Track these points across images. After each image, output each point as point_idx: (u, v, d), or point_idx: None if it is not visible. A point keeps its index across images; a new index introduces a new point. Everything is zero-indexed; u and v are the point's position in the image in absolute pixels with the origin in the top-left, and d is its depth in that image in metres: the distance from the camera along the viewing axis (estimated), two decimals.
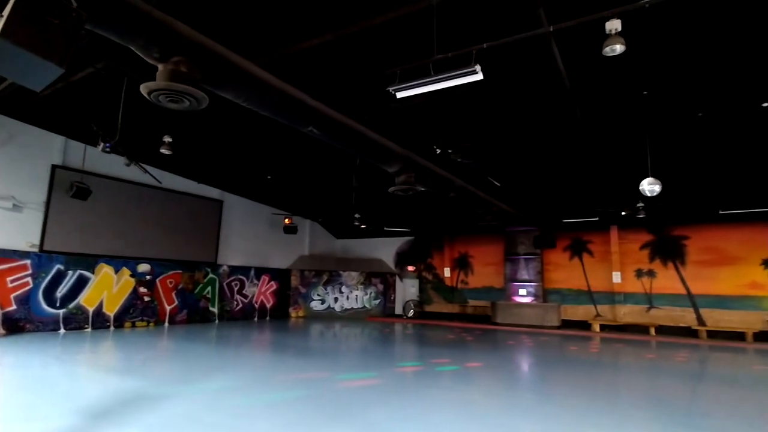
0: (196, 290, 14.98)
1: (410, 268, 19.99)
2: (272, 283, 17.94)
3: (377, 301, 19.56)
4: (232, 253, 16.39)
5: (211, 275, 15.49)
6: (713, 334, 13.84)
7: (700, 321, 14.29)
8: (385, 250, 20.58)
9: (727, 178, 11.72)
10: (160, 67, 4.83)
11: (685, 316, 14.52)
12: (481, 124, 9.02)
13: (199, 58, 4.97)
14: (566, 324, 15.89)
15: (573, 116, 8.38)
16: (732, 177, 11.56)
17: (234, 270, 16.37)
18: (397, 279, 20.15)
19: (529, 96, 7.81)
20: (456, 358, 9.00)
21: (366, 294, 19.49)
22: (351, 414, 4.78)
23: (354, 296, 19.32)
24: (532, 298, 16.47)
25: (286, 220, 17.12)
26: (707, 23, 5.61)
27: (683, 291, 14.68)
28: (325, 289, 18.99)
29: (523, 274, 16.81)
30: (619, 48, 5.19)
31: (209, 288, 15.41)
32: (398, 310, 19.72)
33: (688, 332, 14.23)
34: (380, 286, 19.75)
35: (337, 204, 16.24)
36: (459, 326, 15.94)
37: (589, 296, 16.14)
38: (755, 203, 12.82)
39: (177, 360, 8.16)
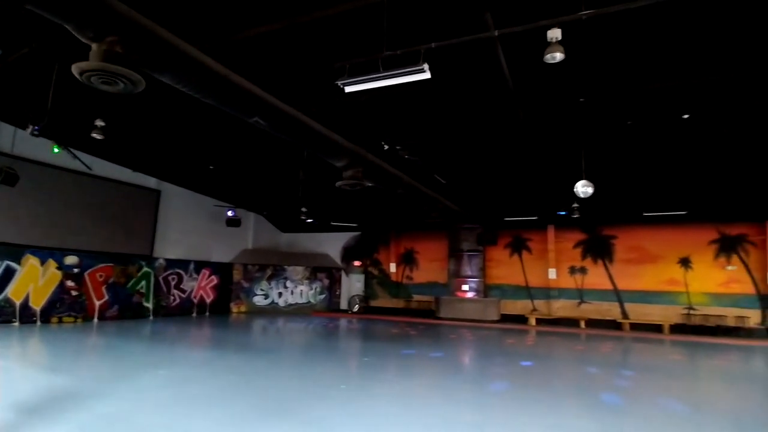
0: (129, 284, 14.18)
1: (356, 263, 20.01)
2: (213, 277, 17.33)
3: (322, 296, 19.43)
4: (170, 246, 15.65)
5: (145, 269, 14.71)
6: (635, 327, 14.95)
7: (625, 314, 15.39)
8: (331, 244, 20.46)
9: (651, 183, 12.65)
10: (94, 46, 4.51)
11: (612, 310, 15.58)
12: (428, 122, 9.16)
13: (136, 39, 4.68)
14: (505, 318, 16.55)
15: (516, 118, 8.70)
16: (655, 182, 12.50)
17: (171, 264, 15.64)
18: (343, 274, 20.11)
19: (476, 97, 8.02)
20: (401, 352, 9.13)
21: (311, 289, 19.30)
22: (295, 409, 4.73)
23: (299, 291, 19.07)
24: (474, 294, 17.01)
25: (229, 213, 16.59)
26: (636, 40, 6.01)
27: (611, 287, 15.74)
28: (269, 284, 18.60)
29: (467, 270, 17.31)
30: (558, 56, 5.43)
31: (143, 282, 14.63)
32: (344, 305, 19.69)
33: (614, 325, 15.28)
34: (326, 281, 19.62)
35: (283, 197, 15.93)
36: (403, 321, 16.18)
37: (527, 292, 16.91)
38: (674, 207, 13.94)
39: (108, 357, 7.69)
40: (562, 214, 14.96)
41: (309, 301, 19.16)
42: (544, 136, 9.59)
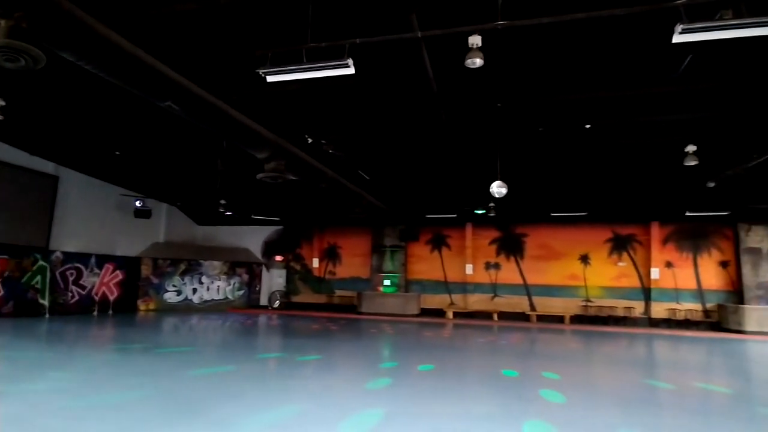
0: (24, 279, 12.70)
1: (278, 257, 19.55)
2: (118, 272, 16.03)
3: (241, 292, 18.76)
4: (69, 238, 14.22)
5: (41, 262, 13.26)
6: (541, 318, 16.16)
7: (532, 307, 16.57)
8: (252, 238, 19.80)
9: (557, 186, 13.70)
10: (2, 23, 4.09)
11: (521, 303, 16.70)
12: (354, 118, 9.16)
13: (41, 13, 4.22)
14: (425, 312, 17.09)
15: (439, 119, 8.98)
16: (561, 185, 13.56)
17: (70, 257, 14.23)
18: (264, 269, 19.56)
19: (401, 96, 8.15)
20: (319, 348, 9.08)
21: (229, 284, 18.54)
22: (201, 410, 4.51)
23: (215, 287, 18.23)
24: (396, 289, 17.37)
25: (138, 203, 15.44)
26: (546, 54, 6.46)
27: (521, 281, 16.86)
28: (182, 280, 17.57)
29: (389, 265, 17.61)
30: (479, 62, 5.70)
31: (38, 277, 13.19)
32: (264, 301, 19.17)
33: (523, 317, 16.39)
34: (245, 277, 18.97)
35: (199, 188, 15.09)
36: (325, 316, 16.11)
37: (445, 286, 17.58)
38: (577, 209, 15.22)
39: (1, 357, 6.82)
40: (480, 213, 15.73)
41: (226, 298, 18.40)
42: (465, 137, 10.00)
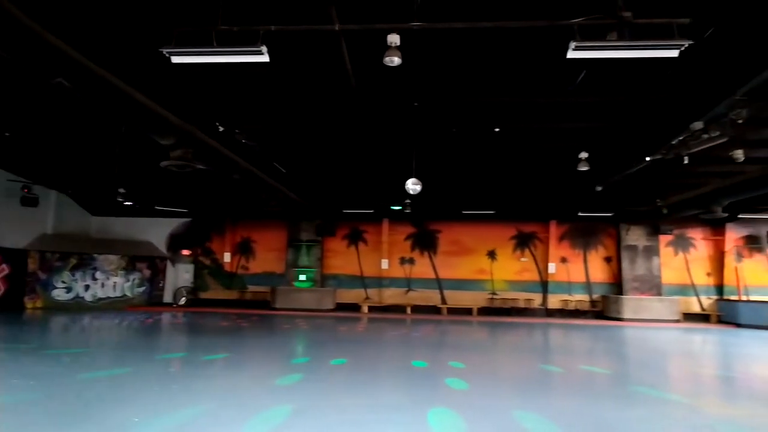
0: None
1: (185, 252, 18.41)
2: (4, 266, 14.15)
3: (142, 289, 17.42)
4: None
5: None
6: (451, 311, 16.94)
7: (444, 300, 17.31)
8: (155, 231, 18.43)
9: (469, 185, 14.42)
10: None
11: (433, 297, 17.37)
12: (270, 107, 8.88)
13: None
14: (340, 307, 17.12)
15: (357, 114, 9.01)
16: (473, 184, 14.28)
17: None
18: (169, 264, 18.33)
19: (319, 88, 8.04)
20: (227, 345, 8.72)
21: (128, 281, 17.11)
22: (94, 415, 4.13)
23: (111, 284, 16.70)
24: (312, 284, 17.20)
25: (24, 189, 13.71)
26: (458, 59, 6.75)
27: (434, 276, 17.52)
28: (73, 275, 15.86)
29: (304, 260, 17.39)
30: (396, 60, 5.79)
31: None
32: (168, 298, 17.97)
33: (434, 310, 17.06)
34: (147, 272, 17.64)
35: (94, 174, 13.72)
36: (236, 313, 15.50)
37: (361, 281, 17.74)
38: (486, 207, 16.17)
39: None
40: (396, 209, 16.08)
41: (125, 295, 16.97)
42: (382, 134, 10.14)
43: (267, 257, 18.23)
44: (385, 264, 17.52)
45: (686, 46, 4.27)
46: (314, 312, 16.10)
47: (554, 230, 17.20)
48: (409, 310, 16.97)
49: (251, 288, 18.07)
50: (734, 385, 6.88)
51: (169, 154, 8.27)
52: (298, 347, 9.23)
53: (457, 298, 17.27)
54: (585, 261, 17.26)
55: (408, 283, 17.57)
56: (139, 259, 17.49)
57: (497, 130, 9.73)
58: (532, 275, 17.32)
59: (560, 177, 12.69)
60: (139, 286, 17.40)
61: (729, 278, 16.24)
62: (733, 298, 15.81)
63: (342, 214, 17.33)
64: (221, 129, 8.98)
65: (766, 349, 10.12)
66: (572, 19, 4.72)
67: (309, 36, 5.74)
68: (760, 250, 16.34)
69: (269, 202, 14.14)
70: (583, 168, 10.28)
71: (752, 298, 15.55)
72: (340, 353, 8.23)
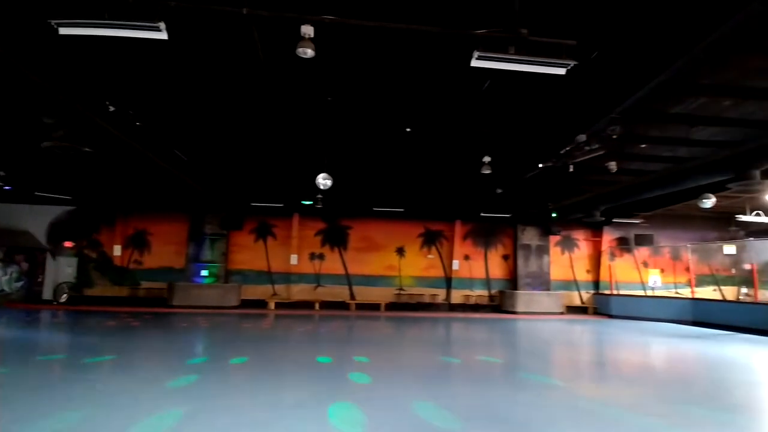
0: None
1: (68, 243, 16.52)
2: None
3: (20, 284, 15.37)
4: None
5: None
6: (360, 306, 17.13)
7: (352, 296, 17.44)
8: (35, 220, 16.30)
9: (380, 183, 14.67)
10: None
11: (343, 293, 17.43)
12: (171, 90, 8.27)
13: None
14: (246, 303, 16.50)
15: (268, 104, 8.73)
16: (384, 182, 14.55)
17: None
18: (49, 257, 16.34)
19: (228, 74, 7.65)
20: (115, 347, 7.99)
21: (6, 274, 15.03)
22: None
23: None
24: (215, 279, 16.37)
25: None
26: (375, 56, 6.83)
27: (343, 272, 17.58)
28: None
29: (207, 254, 16.49)
30: (310, 52, 5.72)
31: None
32: (48, 294, 16.02)
33: (343, 306, 17.13)
34: (26, 265, 15.58)
35: None
36: (127, 311, 14.24)
37: (268, 276, 17.25)
38: (396, 205, 16.58)
39: None
40: (307, 204, 15.88)
41: (2, 290, 14.89)
42: (295, 126, 9.93)
43: (164, 251, 16.97)
44: (294, 259, 17.22)
45: (572, 65, 4.74)
46: (217, 309, 15.34)
47: (459, 229, 18.12)
48: (317, 306, 16.86)
49: (145, 284, 16.71)
50: (605, 369, 7.79)
51: (52, 135, 7.35)
52: (195, 347, 8.74)
53: (366, 293, 17.51)
54: (486, 258, 18.42)
55: (317, 279, 17.44)
56: (16, 250, 15.37)
57: (408, 130, 10.01)
58: (438, 272, 18.11)
59: (465, 179, 13.39)
60: (17, 280, 15.34)
61: (604, 275, 18.36)
62: (606, 292, 17.88)
63: (250, 207, 16.71)
64: (112, 109, 8.16)
65: (631, 337, 11.58)
66: (477, 30, 5.00)
67: (215, 17, 5.43)
68: (628, 250, 18.67)
69: (168, 192, 13.16)
70: (486, 171, 10.94)
71: (621, 292, 17.72)
72: (241, 352, 7.94)
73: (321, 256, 17.58)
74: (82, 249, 16.68)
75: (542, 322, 14.75)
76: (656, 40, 6.13)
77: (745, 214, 15.26)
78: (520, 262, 18.01)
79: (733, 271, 18.27)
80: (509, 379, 6.57)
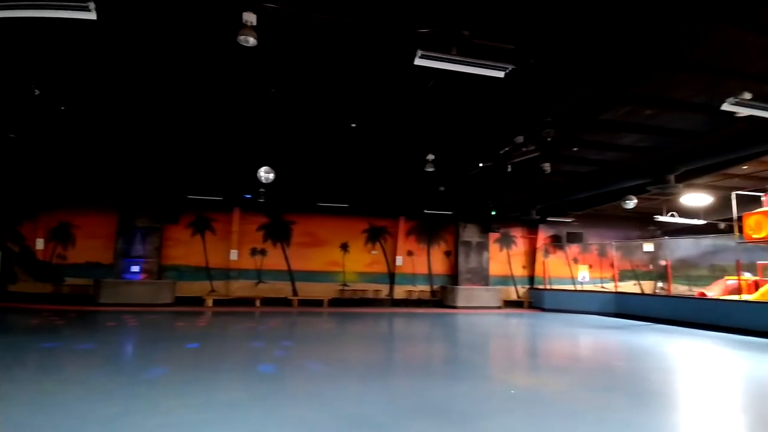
0: None
1: None
2: None
3: None
4: None
5: None
6: (303, 302, 16.92)
7: (295, 292, 17.19)
8: None
9: (325, 178, 14.54)
10: None
11: (285, 289, 17.13)
12: (102, 75, 7.72)
13: None
14: (181, 301, 15.78)
15: (207, 91, 8.38)
16: (329, 177, 14.44)
17: None
18: None
19: (162, 59, 7.25)
20: (39, 346, 7.37)
21: None
22: None
23: None
24: (146, 275, 15.52)
25: None
26: (323, 49, 6.73)
27: (286, 267, 17.27)
28: None
29: (139, 249, 15.60)
30: (252, 40, 5.54)
31: None
32: None
33: (285, 302, 16.84)
34: None
35: None
36: (49, 309, 13.17)
37: (206, 272, 16.61)
38: (341, 200, 16.49)
39: None
40: (248, 197, 15.43)
41: None
42: (236, 116, 9.60)
43: (91, 245, 15.83)
44: (234, 255, 16.68)
45: (510, 69, 4.94)
46: (149, 307, 14.56)
47: (403, 226, 18.35)
48: (258, 302, 16.45)
49: (70, 280, 15.54)
50: (537, 360, 8.21)
51: None
52: (123, 347, 8.25)
53: (309, 289, 17.32)
54: (428, 255, 18.79)
55: (258, 275, 17.01)
56: None
57: (354, 125, 9.98)
58: (381, 267, 18.25)
59: (410, 176, 13.58)
60: None
61: (539, 271, 19.35)
62: (540, 287, 18.85)
63: (187, 200, 15.93)
64: (37, 93, 7.48)
65: (561, 328, 12.28)
66: (421, 29, 5.07)
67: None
68: (561, 247, 19.79)
69: (97, 182, 12.30)
70: (430, 169, 11.15)
71: (554, 286, 18.75)
72: (175, 351, 7.59)
73: (263, 252, 17.16)
74: (5, 242, 15.21)
75: (481, 315, 15.30)
76: (586, 53, 6.51)
77: (662, 214, 16.63)
78: (461, 258, 18.54)
79: (651, 266, 19.90)
80: (448, 370, 6.76)
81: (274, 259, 17.22)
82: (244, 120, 9.78)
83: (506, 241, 19.63)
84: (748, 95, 6.50)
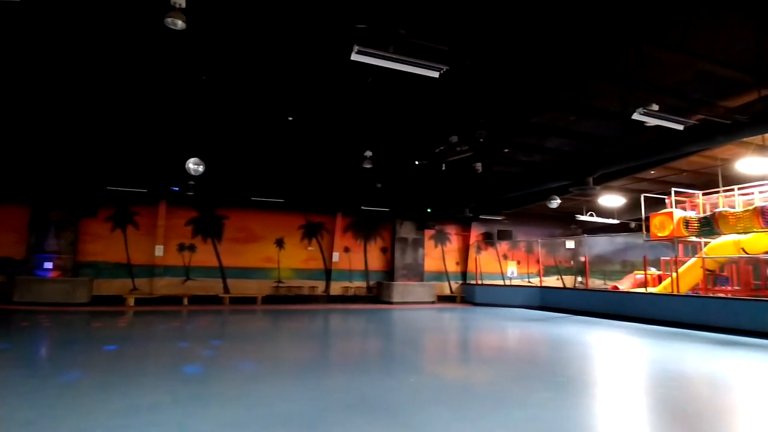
0: None
1: None
2: None
3: None
4: None
5: None
6: (235, 300, 16.34)
7: (226, 289, 16.56)
8: None
9: (260, 172, 14.14)
10: None
11: (215, 286, 16.45)
12: (16, 53, 6.96)
13: None
14: (99, 300, 14.67)
15: (130, 75, 7.83)
16: (263, 171, 14.05)
17: None
18: None
19: (83, 39, 6.67)
20: None
21: None
22: None
23: None
24: (59, 273, 14.25)
25: None
26: (256, 36, 6.51)
27: (217, 264, 16.58)
28: None
29: (52, 244, 14.29)
30: (180, 23, 5.28)
31: None
32: None
33: (216, 300, 16.17)
34: None
35: None
36: None
37: (128, 270, 15.55)
38: (276, 195, 16.09)
39: None
40: (176, 190, 14.65)
41: None
42: (163, 104, 9.06)
43: (2, 240, 14.21)
44: (159, 251, 15.74)
45: (445, 70, 5.06)
46: (64, 306, 13.39)
47: (340, 222, 18.27)
48: (186, 300, 15.67)
49: None
50: (467, 352, 8.52)
51: None
52: (37, 349, 7.53)
53: (242, 286, 16.77)
54: (365, 251, 18.87)
55: (186, 272, 16.19)
56: None
57: (291, 119, 9.78)
58: (318, 263, 18.07)
59: (347, 172, 13.55)
60: None
61: (471, 266, 20.09)
62: (472, 282, 19.57)
63: (107, 191, 14.79)
64: None
65: (490, 322, 12.83)
66: (359, 24, 5.05)
67: None
68: (492, 244, 20.68)
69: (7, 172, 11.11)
70: (368, 165, 11.19)
71: (485, 282, 19.55)
72: (88, 354, 7.05)
73: (191, 248, 16.35)
74: None
75: (415, 311, 15.61)
76: (515, 60, 6.83)
77: (582, 214, 17.88)
78: (398, 254, 18.80)
79: (572, 262, 21.36)
80: (381, 366, 6.83)
81: (204, 256, 16.47)
82: (173, 108, 9.25)
83: (441, 238, 20.17)
84: (655, 107, 7.13)
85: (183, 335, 9.42)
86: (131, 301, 14.89)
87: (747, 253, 12.21)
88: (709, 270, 13.21)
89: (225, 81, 8.11)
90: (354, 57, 4.78)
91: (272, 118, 9.76)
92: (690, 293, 12.94)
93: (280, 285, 17.35)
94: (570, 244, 19.91)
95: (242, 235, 17.06)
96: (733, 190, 12.74)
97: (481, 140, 8.84)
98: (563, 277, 21.38)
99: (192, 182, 13.11)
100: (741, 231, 11.30)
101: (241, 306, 15.68)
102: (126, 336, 9.16)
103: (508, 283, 19.91)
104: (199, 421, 3.96)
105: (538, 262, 19.91)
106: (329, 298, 17.88)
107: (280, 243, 17.56)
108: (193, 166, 9.15)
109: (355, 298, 18.27)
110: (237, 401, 4.58)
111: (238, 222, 17.04)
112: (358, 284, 18.55)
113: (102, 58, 7.20)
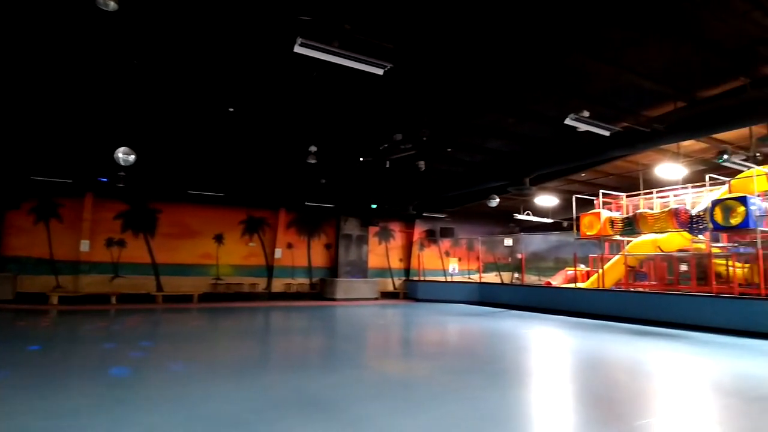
0: None
1: None
2: None
3: None
4: None
5: None
6: (168, 298, 15.55)
7: (159, 287, 15.74)
8: None
9: (197, 164, 13.54)
10: None
11: (147, 284, 15.57)
12: None
13: None
14: (22, 297, 13.46)
15: (53, 55, 7.22)
16: (202, 164, 13.47)
17: None
18: None
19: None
20: None
21: None
22: None
23: None
24: None
25: None
26: (191, 20, 6.22)
27: (149, 260, 15.71)
28: None
29: None
30: (112, 4, 5.00)
31: None
32: None
33: (148, 298, 15.32)
34: None
35: None
36: None
37: (51, 266, 14.38)
38: (215, 189, 15.47)
39: None
40: (104, 181, 13.73)
41: None
42: (91, 88, 8.44)
43: None
44: (85, 246, 14.66)
45: (389, 67, 5.09)
46: None
47: (283, 217, 17.91)
48: (114, 299, 14.71)
49: None
50: (407, 347, 8.65)
51: None
52: None
53: (177, 284, 16.01)
54: (308, 247, 18.63)
55: (115, 269, 15.20)
56: None
57: (232, 110, 9.44)
58: (259, 260, 17.62)
59: (291, 167, 13.29)
60: None
61: (414, 263, 20.42)
62: (415, 279, 19.90)
63: (30, 182, 13.56)
64: None
65: (431, 317, 13.11)
66: (303, 17, 4.96)
67: None
68: (435, 241, 21.13)
69: None
70: (312, 161, 11.03)
71: (427, 278, 19.95)
72: (4, 354, 6.45)
73: (121, 243, 15.37)
74: None
75: (358, 307, 15.64)
76: (458, 61, 7.00)
77: (519, 213, 18.69)
78: (342, 251, 18.74)
79: (510, 259, 22.28)
80: (321, 362, 6.78)
81: (134, 251, 15.54)
82: (103, 94, 8.64)
83: (385, 235, 20.33)
84: (586, 113, 7.59)
85: (110, 336, 8.86)
86: (54, 300, 13.76)
87: (662, 251, 13.31)
88: (630, 266, 14.26)
89: (160, 67, 7.68)
90: (297, 49, 4.68)
91: (212, 108, 9.37)
92: (614, 288, 13.91)
93: (219, 282, 16.76)
94: (508, 241, 20.77)
95: (178, 230, 16.28)
96: (652, 193, 13.84)
97: (425, 139, 8.99)
98: (501, 273, 22.26)
99: (122, 173, 12.32)
100: (658, 231, 12.29)
101: (176, 305, 14.96)
102: (48, 337, 8.47)
103: (449, 279, 20.43)
104: (123, 426, 3.74)
105: (478, 259, 20.59)
106: (271, 296, 17.50)
107: (219, 239, 16.94)
108: (123, 155, 8.59)
109: (297, 296, 18.00)
110: (166, 404, 4.37)
111: (173, 216, 16.23)
112: (301, 281, 18.30)
113: (28, 38, 6.58)
